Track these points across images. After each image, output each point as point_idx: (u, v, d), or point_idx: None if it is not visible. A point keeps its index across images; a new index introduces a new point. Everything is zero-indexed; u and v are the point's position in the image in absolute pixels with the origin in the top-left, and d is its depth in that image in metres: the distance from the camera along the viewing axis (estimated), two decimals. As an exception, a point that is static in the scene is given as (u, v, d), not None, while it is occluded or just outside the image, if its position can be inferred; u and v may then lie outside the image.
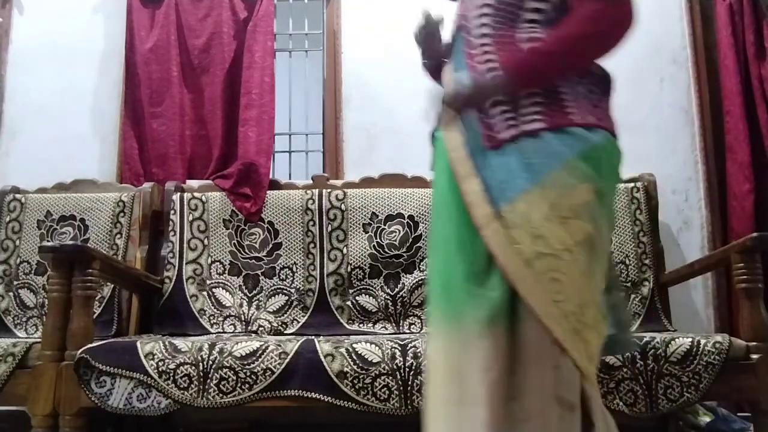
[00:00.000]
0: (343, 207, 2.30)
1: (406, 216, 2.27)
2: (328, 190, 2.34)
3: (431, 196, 1.35)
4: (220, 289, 2.22)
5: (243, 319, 2.17)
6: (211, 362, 1.59)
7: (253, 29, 2.55)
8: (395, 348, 1.61)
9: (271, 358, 1.60)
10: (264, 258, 2.26)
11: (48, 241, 2.25)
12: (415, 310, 2.18)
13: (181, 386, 1.58)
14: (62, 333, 1.65)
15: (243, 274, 2.24)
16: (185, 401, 1.57)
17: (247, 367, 1.59)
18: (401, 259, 2.23)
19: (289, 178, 2.67)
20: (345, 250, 2.25)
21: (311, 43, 2.86)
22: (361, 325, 2.16)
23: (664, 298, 2.21)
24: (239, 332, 2.13)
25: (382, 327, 2.16)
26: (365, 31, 2.67)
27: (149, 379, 1.58)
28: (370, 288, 2.21)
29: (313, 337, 1.76)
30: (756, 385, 1.61)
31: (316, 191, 2.34)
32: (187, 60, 2.57)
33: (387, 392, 1.57)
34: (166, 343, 1.64)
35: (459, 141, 1.19)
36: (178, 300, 2.17)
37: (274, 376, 1.58)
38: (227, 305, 2.19)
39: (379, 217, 2.28)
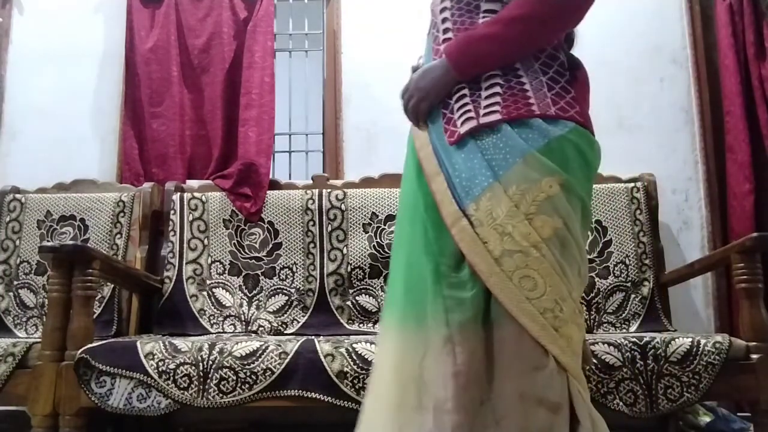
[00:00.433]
0: (343, 207, 2.30)
1: (406, 216, 2.27)
2: (328, 190, 2.34)
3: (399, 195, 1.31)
4: (220, 289, 2.22)
5: (243, 319, 2.17)
6: (211, 362, 1.59)
7: (253, 29, 2.55)
8: (395, 348, 1.61)
9: (271, 358, 1.60)
10: (264, 258, 2.26)
11: (48, 241, 2.25)
12: (415, 310, 2.18)
13: (181, 386, 1.58)
14: (62, 333, 1.65)
15: (243, 274, 2.24)
16: (185, 401, 1.57)
17: (247, 367, 1.59)
18: (401, 259, 2.23)
19: (289, 178, 2.67)
20: (345, 250, 2.25)
21: (311, 43, 2.86)
22: (361, 325, 2.16)
23: (664, 298, 2.21)
24: (239, 332, 2.13)
25: (382, 327, 2.16)
26: (365, 31, 2.67)
27: (149, 379, 1.58)
28: (370, 288, 2.21)
29: (313, 337, 1.76)
30: (756, 385, 1.61)
31: (316, 191, 2.34)
32: (187, 60, 2.57)
33: (387, 392, 1.56)
34: (166, 343, 1.64)
35: (426, 139, 1.17)
36: (178, 300, 2.17)
37: (274, 376, 1.58)
38: (227, 305, 2.19)
39: (379, 217, 2.28)
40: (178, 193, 2.33)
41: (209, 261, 2.25)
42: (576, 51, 1.24)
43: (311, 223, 2.30)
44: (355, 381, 1.57)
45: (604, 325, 2.14)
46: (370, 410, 1.12)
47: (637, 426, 1.91)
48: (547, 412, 1.00)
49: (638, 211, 2.28)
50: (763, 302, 1.68)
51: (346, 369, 1.58)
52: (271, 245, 2.28)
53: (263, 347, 1.62)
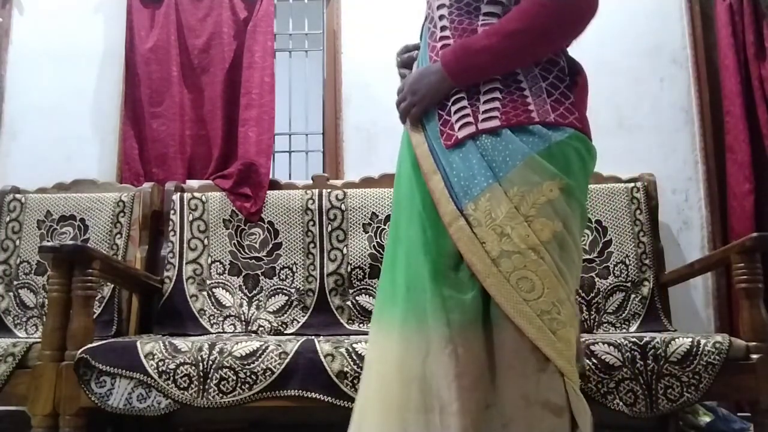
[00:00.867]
0: (343, 207, 2.30)
1: (406, 216, 2.27)
2: (328, 190, 2.34)
3: (393, 193, 1.30)
4: (220, 289, 2.22)
5: (243, 319, 2.17)
6: (211, 362, 1.59)
7: (253, 29, 2.55)
8: (395, 348, 1.61)
9: (271, 358, 1.60)
10: (264, 258, 2.26)
11: (48, 241, 2.25)
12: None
13: (181, 386, 1.58)
14: (62, 333, 1.65)
15: (243, 274, 2.24)
16: (185, 401, 1.57)
17: (247, 367, 1.59)
18: (401, 259, 2.23)
19: (289, 178, 2.67)
20: (345, 250, 2.25)
21: (311, 43, 2.86)
22: (361, 325, 2.16)
23: (664, 298, 2.21)
24: (239, 332, 2.13)
25: (382, 327, 2.16)
26: (365, 31, 2.67)
27: (149, 379, 1.58)
28: (370, 288, 2.21)
29: (313, 337, 1.76)
30: (756, 385, 1.61)
31: (316, 191, 2.34)
32: (187, 60, 2.57)
33: (387, 392, 1.56)
34: (166, 343, 1.64)
35: (421, 137, 1.17)
36: (178, 300, 2.17)
37: (274, 376, 1.58)
38: (227, 305, 2.19)
39: (379, 217, 2.28)
40: (178, 193, 2.33)
41: (209, 261, 2.25)
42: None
43: (311, 223, 2.30)
44: (355, 381, 1.57)
45: (604, 325, 2.14)
46: (371, 410, 1.11)
47: (637, 426, 1.92)
48: (551, 415, 1.00)
49: (638, 211, 2.28)
50: (763, 302, 1.68)
51: (346, 369, 1.58)
52: (271, 245, 2.28)
53: (263, 347, 1.62)
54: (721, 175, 2.49)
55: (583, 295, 2.17)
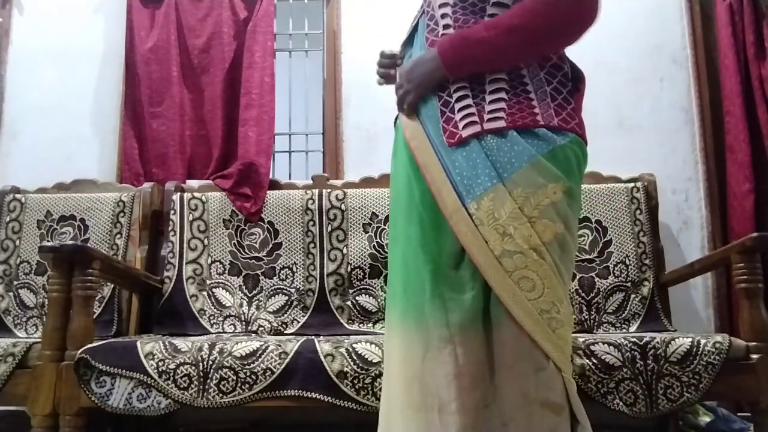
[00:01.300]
0: (343, 207, 2.30)
1: (406, 216, 2.27)
2: (328, 190, 2.34)
3: (390, 193, 1.30)
4: (220, 289, 2.22)
5: (243, 319, 2.17)
6: (211, 362, 1.59)
7: (253, 29, 2.55)
8: (395, 348, 1.61)
9: (271, 358, 1.60)
10: (264, 258, 2.26)
11: (48, 241, 2.25)
12: (415, 310, 2.18)
13: (181, 386, 1.58)
14: (62, 333, 1.65)
15: (243, 274, 2.24)
16: (185, 401, 1.57)
17: (247, 367, 1.59)
18: (401, 259, 2.22)
19: (289, 178, 2.67)
20: (345, 250, 2.25)
21: (311, 43, 2.86)
22: (361, 325, 2.16)
23: (664, 298, 2.21)
24: (239, 332, 2.13)
25: (382, 327, 2.16)
26: (365, 31, 2.67)
27: (149, 379, 1.58)
28: (370, 288, 2.21)
29: (313, 337, 1.76)
30: (756, 385, 1.61)
31: (316, 191, 2.34)
32: (187, 60, 2.57)
33: (387, 392, 1.56)
34: (166, 343, 1.64)
35: (419, 130, 1.16)
36: (178, 300, 2.17)
37: (274, 376, 1.58)
38: (227, 305, 2.19)
39: (379, 217, 2.28)
40: (178, 193, 2.33)
41: (209, 261, 2.25)
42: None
43: (311, 223, 2.30)
44: (355, 381, 1.57)
45: (604, 325, 2.14)
46: (385, 411, 1.11)
47: (637, 426, 1.92)
48: (551, 414, 1.00)
49: (638, 211, 2.28)
50: (763, 302, 1.68)
51: (346, 369, 1.58)
52: (271, 245, 2.28)
53: (263, 347, 1.62)
54: (721, 175, 2.49)
55: (583, 295, 2.17)
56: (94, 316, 1.88)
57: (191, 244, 2.26)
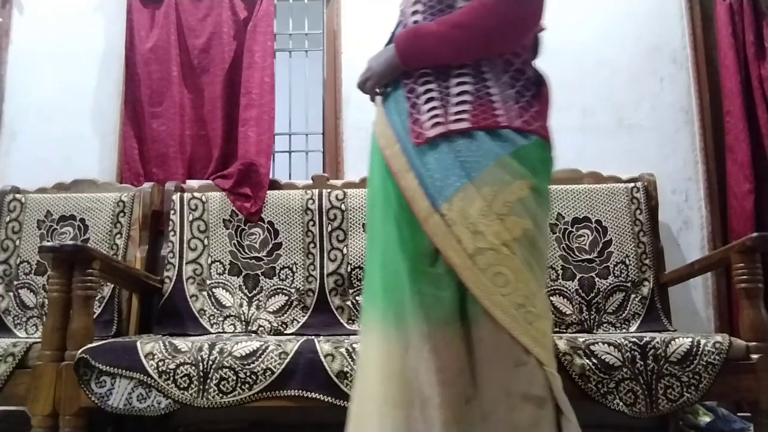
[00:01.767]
0: (343, 207, 2.30)
1: (406, 216, 2.27)
2: (328, 190, 2.34)
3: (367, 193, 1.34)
4: (220, 289, 2.22)
5: (243, 319, 2.17)
6: (211, 362, 1.59)
7: (253, 29, 2.55)
8: (395, 348, 1.61)
9: (271, 358, 1.60)
10: (264, 258, 2.26)
11: (48, 241, 2.25)
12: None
13: (181, 386, 1.58)
14: (62, 333, 1.65)
15: (243, 274, 2.24)
16: (185, 401, 1.57)
17: (247, 367, 1.59)
18: (401, 259, 2.22)
19: (289, 178, 2.67)
20: (345, 250, 2.25)
21: (311, 43, 2.86)
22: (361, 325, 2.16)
23: (664, 298, 2.21)
24: (239, 332, 2.13)
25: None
26: (365, 31, 2.67)
27: (149, 379, 1.58)
28: (370, 288, 2.21)
29: (313, 337, 1.76)
30: (756, 385, 1.61)
31: (316, 191, 2.34)
32: (187, 60, 2.57)
33: (387, 392, 1.56)
34: (166, 343, 1.64)
35: (391, 137, 1.20)
36: (178, 300, 2.17)
37: (274, 376, 1.58)
38: (227, 305, 2.19)
39: (379, 217, 2.28)
40: (178, 193, 2.33)
41: (209, 261, 2.25)
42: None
43: (311, 223, 2.30)
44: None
45: (604, 325, 2.14)
46: (359, 408, 1.13)
47: (637, 426, 1.92)
48: (533, 407, 1.02)
49: (638, 211, 2.28)
50: (763, 302, 1.68)
51: (346, 369, 1.58)
52: (271, 245, 2.28)
53: (263, 347, 1.62)
54: (721, 175, 2.49)
55: (583, 295, 2.17)
56: (94, 316, 1.88)
57: (191, 244, 2.26)
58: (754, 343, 1.65)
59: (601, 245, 2.24)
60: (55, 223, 2.30)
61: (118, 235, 2.28)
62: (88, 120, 2.64)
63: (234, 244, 2.28)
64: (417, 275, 1.09)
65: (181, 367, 1.59)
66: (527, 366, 1.04)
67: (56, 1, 2.73)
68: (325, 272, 2.23)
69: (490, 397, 1.03)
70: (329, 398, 1.57)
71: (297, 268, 2.25)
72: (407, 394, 1.05)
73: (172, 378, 1.58)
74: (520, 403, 1.02)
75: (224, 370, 1.58)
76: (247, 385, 1.58)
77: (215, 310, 2.18)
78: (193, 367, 1.59)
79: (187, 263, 2.23)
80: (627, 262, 2.21)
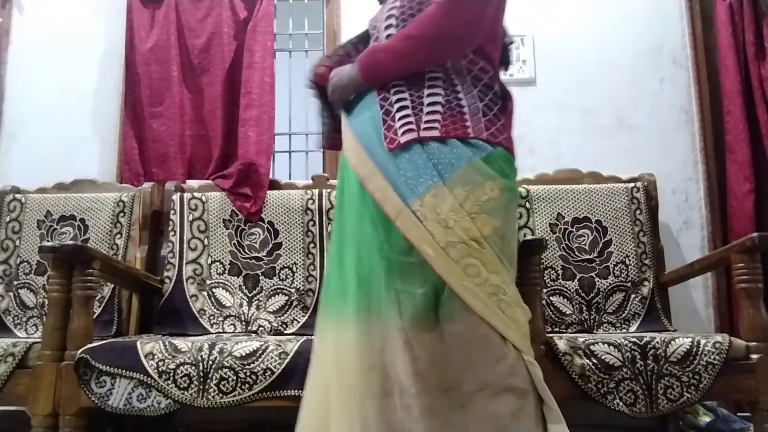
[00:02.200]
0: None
1: (406, 216, 2.27)
2: (328, 190, 2.34)
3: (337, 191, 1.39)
4: (220, 289, 2.22)
5: (243, 319, 2.17)
6: (211, 362, 1.59)
7: (253, 29, 2.55)
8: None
9: (271, 358, 1.60)
10: (264, 258, 2.26)
11: (48, 241, 2.25)
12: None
13: (181, 386, 1.58)
14: (62, 333, 1.65)
15: (243, 274, 2.24)
16: (185, 401, 1.57)
17: (247, 367, 1.59)
18: (401, 259, 2.22)
19: (289, 178, 2.67)
20: (345, 250, 2.25)
21: (311, 43, 2.86)
22: (361, 325, 2.16)
23: (664, 298, 2.21)
24: (239, 332, 2.13)
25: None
26: (365, 31, 2.67)
27: (149, 379, 1.58)
28: (370, 288, 2.21)
29: (313, 337, 1.76)
30: (756, 385, 1.61)
31: (316, 191, 2.34)
32: (187, 60, 2.57)
33: (387, 392, 1.56)
34: (166, 343, 1.64)
35: (357, 146, 1.25)
36: (178, 300, 2.17)
37: (274, 376, 1.58)
38: (227, 305, 2.19)
39: (379, 217, 2.28)
40: (178, 193, 2.33)
41: (209, 261, 2.25)
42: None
43: (311, 223, 2.30)
44: (355, 381, 1.57)
45: (604, 325, 2.14)
46: (335, 399, 1.15)
47: (637, 426, 1.92)
48: (514, 397, 1.06)
49: (638, 211, 2.28)
50: (763, 302, 1.68)
51: (346, 369, 1.58)
52: (271, 245, 2.28)
53: (263, 347, 1.62)
54: (721, 175, 2.48)
55: (583, 295, 2.17)
56: (94, 316, 1.88)
57: (191, 244, 2.26)
58: (754, 343, 1.65)
59: (601, 245, 2.24)
60: (55, 223, 2.30)
61: (118, 235, 2.28)
62: (88, 120, 2.64)
63: (234, 244, 2.28)
64: (392, 272, 1.13)
65: (181, 367, 1.59)
66: (507, 359, 1.08)
67: (56, 1, 2.73)
68: (326, 272, 2.23)
69: (469, 388, 1.07)
70: (329, 398, 1.57)
71: (297, 268, 2.25)
72: (387, 384, 1.09)
73: (172, 378, 1.58)
74: (500, 393, 1.06)
75: (224, 370, 1.58)
76: (247, 385, 1.58)
77: (215, 310, 2.18)
78: (193, 367, 1.59)
79: (187, 263, 2.23)
80: (627, 262, 2.21)
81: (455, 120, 1.21)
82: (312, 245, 2.27)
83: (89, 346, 1.62)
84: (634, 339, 1.65)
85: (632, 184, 2.33)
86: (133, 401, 1.59)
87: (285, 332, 2.14)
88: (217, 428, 2.19)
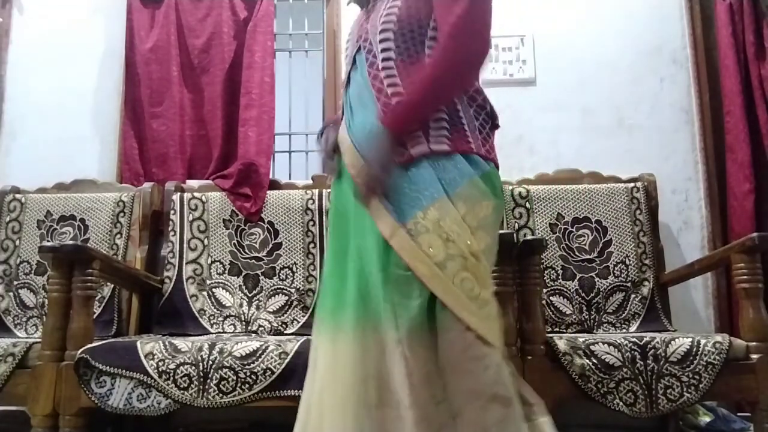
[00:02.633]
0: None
1: (406, 216, 2.27)
2: (328, 190, 2.34)
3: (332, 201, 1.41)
4: (220, 289, 2.22)
5: (243, 319, 2.17)
6: (211, 362, 1.59)
7: (253, 29, 2.55)
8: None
9: (271, 358, 1.60)
10: (264, 258, 2.26)
11: (48, 241, 2.25)
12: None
13: (181, 386, 1.58)
14: (62, 333, 1.65)
15: (243, 274, 2.24)
16: (185, 401, 1.57)
17: (247, 367, 1.59)
18: (401, 259, 2.22)
19: (289, 178, 2.67)
20: (345, 250, 2.25)
21: (311, 43, 2.86)
22: (361, 325, 2.16)
23: (664, 298, 2.21)
24: (239, 332, 2.13)
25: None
26: (365, 31, 2.67)
27: (149, 379, 1.58)
28: (370, 288, 2.21)
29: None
30: (756, 385, 1.61)
31: (316, 191, 2.34)
32: (187, 60, 2.57)
33: (387, 392, 1.56)
34: (166, 343, 1.64)
35: (358, 158, 1.25)
36: (178, 300, 2.17)
37: (274, 376, 1.58)
38: (227, 305, 2.19)
39: (379, 217, 2.28)
40: (178, 193, 2.33)
41: (209, 261, 2.25)
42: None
43: (311, 223, 2.30)
44: (355, 381, 1.57)
45: (604, 325, 2.14)
46: (329, 408, 1.17)
47: (637, 426, 1.92)
48: (499, 407, 1.09)
49: (638, 211, 2.28)
50: (763, 302, 1.68)
51: (346, 369, 1.58)
52: (271, 245, 2.28)
53: (263, 347, 1.62)
54: (721, 175, 2.48)
55: (583, 295, 2.17)
56: (94, 316, 1.88)
57: (191, 244, 2.26)
58: (754, 343, 1.65)
59: (601, 245, 2.24)
60: (55, 223, 2.30)
61: (118, 235, 2.28)
62: (88, 120, 2.64)
63: (234, 244, 2.28)
64: (388, 285, 1.16)
65: (181, 367, 1.59)
66: (492, 368, 1.11)
67: (56, 1, 2.73)
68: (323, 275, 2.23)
69: (459, 399, 1.10)
70: (329, 398, 1.57)
71: (297, 268, 2.25)
72: (385, 395, 1.11)
73: (172, 378, 1.58)
74: (487, 403, 1.09)
75: (224, 370, 1.58)
76: (247, 385, 1.58)
77: (215, 310, 2.18)
78: (193, 367, 1.59)
79: (187, 263, 2.23)
80: (627, 262, 2.21)
81: (460, 135, 1.25)
82: (312, 245, 2.27)
83: (89, 346, 1.62)
84: (634, 339, 1.65)
85: (632, 184, 2.33)
86: (133, 401, 1.59)
87: (285, 332, 2.14)
88: (217, 428, 2.19)
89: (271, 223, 2.31)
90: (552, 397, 1.60)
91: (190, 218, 2.29)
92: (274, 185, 2.40)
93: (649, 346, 1.63)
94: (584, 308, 2.16)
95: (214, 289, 2.21)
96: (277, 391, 1.59)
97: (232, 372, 1.58)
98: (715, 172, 2.51)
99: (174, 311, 2.16)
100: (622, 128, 2.58)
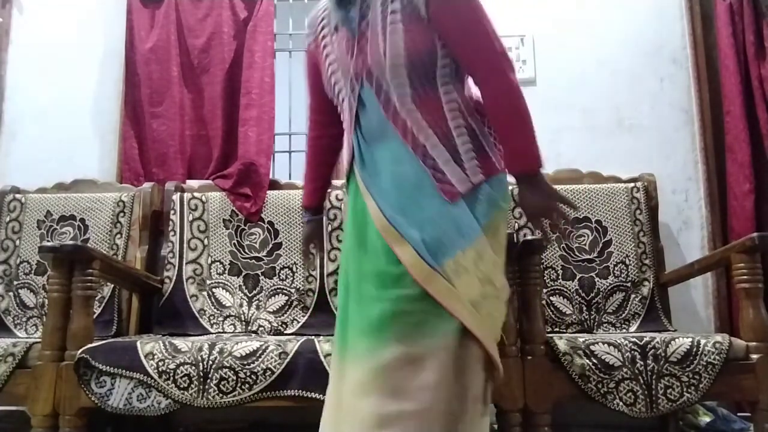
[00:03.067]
0: (342, 207, 2.30)
1: (406, 216, 2.27)
2: (328, 190, 2.33)
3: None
4: (220, 289, 2.22)
5: (243, 319, 2.17)
6: (211, 362, 1.59)
7: (253, 29, 2.55)
8: (395, 348, 1.61)
9: (271, 358, 1.60)
10: (264, 258, 2.26)
11: (48, 241, 2.25)
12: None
13: (181, 386, 1.58)
14: (62, 333, 1.65)
15: (243, 274, 2.24)
16: (185, 401, 1.57)
17: (247, 367, 1.59)
18: (401, 259, 2.22)
19: (289, 178, 2.66)
20: (345, 250, 2.25)
21: (311, 43, 2.85)
22: (361, 325, 2.16)
23: (664, 298, 2.21)
24: (239, 332, 2.13)
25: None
26: (365, 31, 2.67)
27: (149, 379, 1.58)
28: (370, 288, 2.21)
29: (313, 337, 1.76)
30: (756, 385, 1.61)
31: (316, 191, 2.34)
32: (187, 60, 2.57)
33: (387, 392, 1.56)
34: (166, 343, 1.64)
35: (377, 213, 1.24)
36: (178, 300, 2.17)
37: (274, 376, 1.58)
38: (227, 305, 2.19)
39: (379, 217, 2.28)
40: (178, 193, 2.33)
41: (209, 261, 2.25)
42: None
43: (311, 223, 2.29)
44: (355, 381, 1.57)
45: (604, 325, 2.14)
46: (361, 411, 1.17)
47: (637, 426, 1.92)
48: (485, 409, 1.18)
49: (638, 211, 2.28)
50: (763, 302, 1.68)
51: (346, 369, 1.58)
52: (271, 245, 2.28)
53: (263, 347, 1.62)
54: (721, 175, 2.48)
55: (583, 295, 2.17)
56: (94, 316, 1.88)
57: (191, 244, 2.26)
58: (754, 343, 1.65)
59: (601, 245, 2.24)
60: (55, 223, 2.30)
61: (118, 235, 2.28)
62: (88, 120, 2.64)
63: (234, 244, 2.28)
64: (417, 307, 1.17)
65: (181, 367, 1.59)
66: (489, 379, 1.19)
67: (56, 1, 2.73)
68: (325, 272, 2.23)
69: (471, 406, 1.15)
70: (329, 398, 1.57)
71: (297, 268, 2.25)
72: (403, 407, 1.13)
73: (172, 378, 1.58)
74: (478, 406, 1.16)
75: (224, 370, 1.58)
76: (247, 385, 1.58)
77: (215, 310, 2.18)
78: (193, 367, 1.59)
79: (187, 263, 2.23)
80: (627, 262, 2.21)
81: (486, 158, 1.25)
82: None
83: (89, 346, 1.62)
84: (634, 339, 1.65)
85: (632, 184, 2.33)
86: (133, 401, 1.59)
87: (285, 332, 2.14)
88: (217, 428, 2.19)
89: (271, 223, 2.31)
90: (552, 397, 1.61)
91: (190, 218, 2.29)
92: (274, 185, 2.40)
93: (649, 346, 1.63)
94: (584, 308, 2.16)
95: (214, 289, 2.21)
96: (277, 391, 1.59)
97: (232, 372, 1.58)
98: (715, 171, 2.51)
99: (174, 311, 2.16)
100: (622, 128, 2.58)
